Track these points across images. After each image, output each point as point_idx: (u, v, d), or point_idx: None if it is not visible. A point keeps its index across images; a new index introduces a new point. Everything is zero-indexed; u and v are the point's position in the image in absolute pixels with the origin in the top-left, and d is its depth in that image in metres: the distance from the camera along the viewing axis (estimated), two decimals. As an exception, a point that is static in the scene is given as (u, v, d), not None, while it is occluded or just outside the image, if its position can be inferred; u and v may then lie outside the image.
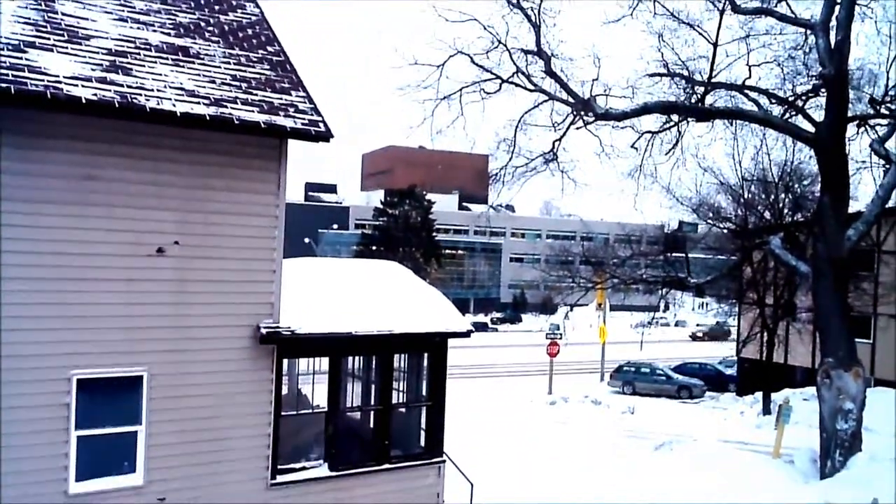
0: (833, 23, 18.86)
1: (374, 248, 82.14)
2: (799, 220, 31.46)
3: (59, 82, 8.93)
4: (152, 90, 9.62)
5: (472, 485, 14.83)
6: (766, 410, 31.91)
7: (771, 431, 25.16)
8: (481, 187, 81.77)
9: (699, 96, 21.04)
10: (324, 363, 12.35)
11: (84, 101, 8.88)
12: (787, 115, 21.56)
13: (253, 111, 10.19)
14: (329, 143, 10.88)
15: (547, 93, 20.90)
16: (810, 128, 20.23)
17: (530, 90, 20.98)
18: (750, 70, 21.20)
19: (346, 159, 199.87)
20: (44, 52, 9.32)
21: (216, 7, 12.10)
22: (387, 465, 12.53)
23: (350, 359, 14.09)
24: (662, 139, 22.58)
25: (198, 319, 10.34)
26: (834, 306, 19.12)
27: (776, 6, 20.73)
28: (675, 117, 21.72)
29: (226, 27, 11.75)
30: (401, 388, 13.63)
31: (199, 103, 9.81)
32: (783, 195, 32.57)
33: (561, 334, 44.69)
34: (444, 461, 13.30)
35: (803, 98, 21.32)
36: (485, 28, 20.53)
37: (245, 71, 11.00)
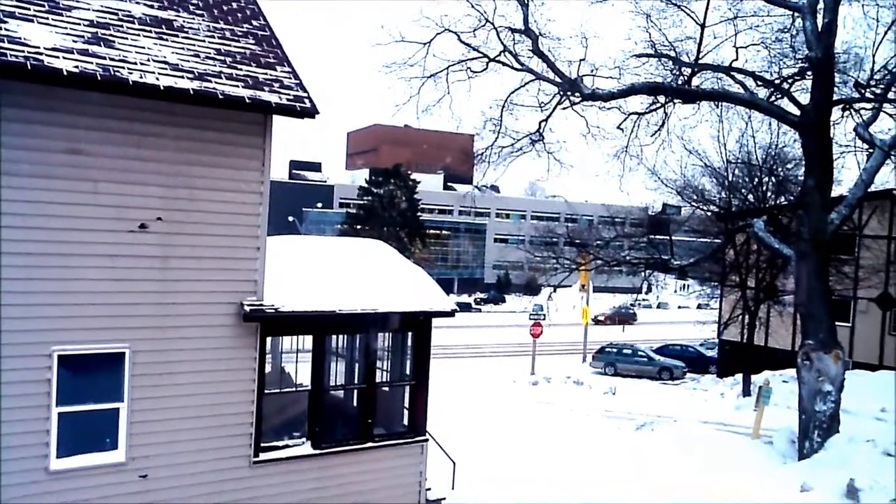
0: (820, 5, 18.88)
1: (358, 227, 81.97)
2: (782, 204, 31.65)
3: (40, 54, 8.76)
4: (135, 63, 9.47)
5: (454, 464, 14.90)
6: (746, 392, 32.23)
7: (750, 413, 25.42)
8: (467, 167, 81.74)
9: (686, 78, 21.04)
10: (307, 342, 12.31)
11: (65, 73, 8.73)
12: (774, 97, 21.58)
13: (238, 86, 10.06)
14: (314, 120, 10.77)
15: (534, 72, 20.81)
16: (796, 111, 20.27)
17: (517, 69, 20.87)
18: (737, 52, 21.24)
19: (331, 138, 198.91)
20: (24, 22, 9.14)
21: (200, -20, 11.91)
22: (370, 444, 12.55)
23: (334, 337, 14.05)
24: (648, 121, 22.62)
25: (181, 296, 10.27)
26: (815, 289, 19.27)
27: (764, -13, 20.70)
28: (661, 99, 21.72)
29: (210, 0, 11.57)
30: (384, 367, 13.63)
31: (182, 77, 9.67)
32: (767, 178, 32.71)
33: (544, 315, 44.86)
34: (427, 440, 13.34)
35: (790, 81, 21.36)
36: (472, 6, 20.39)
37: (230, 45, 10.85)
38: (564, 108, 21.41)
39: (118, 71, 9.18)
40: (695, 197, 35.88)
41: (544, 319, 43.91)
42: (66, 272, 9.40)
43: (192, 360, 10.43)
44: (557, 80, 20.64)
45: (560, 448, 20.45)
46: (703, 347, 49.17)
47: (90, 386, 9.82)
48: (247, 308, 10.64)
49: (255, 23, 11.61)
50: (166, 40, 10.21)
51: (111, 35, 9.73)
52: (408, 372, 13.52)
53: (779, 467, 18.63)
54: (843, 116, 22.29)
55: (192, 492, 10.59)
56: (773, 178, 32.74)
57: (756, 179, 33.01)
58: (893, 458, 16.41)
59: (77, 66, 8.87)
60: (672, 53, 21.21)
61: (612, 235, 35.19)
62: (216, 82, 9.90)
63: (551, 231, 67.39)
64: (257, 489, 11.25)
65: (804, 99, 20.30)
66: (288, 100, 10.37)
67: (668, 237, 33.34)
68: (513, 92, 21.46)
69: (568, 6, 23.49)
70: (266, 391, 11.41)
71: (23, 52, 8.66)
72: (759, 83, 21.52)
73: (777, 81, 21.38)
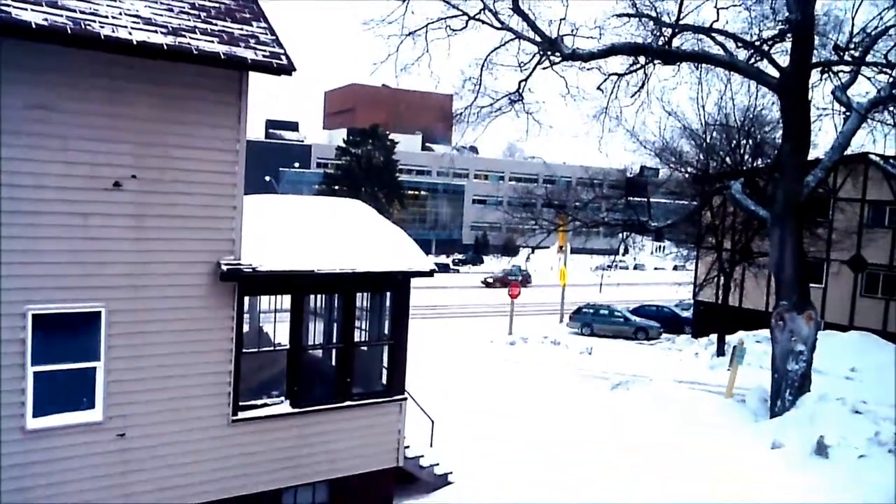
0: (802, -33, 18.77)
1: (336, 187, 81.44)
2: (759, 167, 31.83)
3: (7, 6, 8.50)
4: (106, 17, 9.23)
5: (432, 422, 15.02)
6: (720, 352, 32.71)
7: (724, 372, 25.82)
8: (445, 128, 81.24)
9: (666, 38, 20.92)
10: (286, 301, 12.28)
11: (34, 25, 8.48)
12: (753, 59, 21.56)
13: (212, 41, 9.86)
14: (291, 77, 10.60)
15: (514, 31, 20.60)
16: (775, 73, 20.29)
17: (497, 28, 20.66)
18: (718, 13, 21.10)
19: (308, 97, 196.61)
20: (-10, -28, 8.85)
21: (173, -69, 11.58)
22: (348, 403, 12.61)
23: (312, 297, 14.03)
24: (628, 81, 22.53)
25: (157, 255, 10.16)
26: (790, 251, 19.49)
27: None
28: (641, 59, 21.61)
29: (183, -48, 11.27)
30: (363, 327, 13.64)
31: (156, 32, 9.44)
32: (745, 141, 32.85)
33: (522, 276, 45.01)
34: (405, 399, 13.42)
35: (769, 43, 21.30)
36: (452, -38, 20.07)
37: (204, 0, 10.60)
38: (544, 68, 21.29)
39: (89, 25, 8.94)
40: (673, 159, 36.00)
41: (523, 280, 44.06)
42: (37, 230, 9.25)
43: (169, 319, 10.37)
44: (537, 39, 20.47)
45: (536, 407, 20.69)
46: (678, 308, 49.69)
47: (66, 345, 9.74)
48: (224, 267, 10.56)
49: (230, -24, 11.33)
50: (139, -7, 9.95)
51: (81, -13, 9.46)
52: (386, 332, 13.54)
53: (750, 425, 19.00)
54: (821, 79, 22.39)
55: (170, 450, 10.61)
56: (750, 141, 32.89)
57: (734, 142, 33.15)
58: (861, 415, 16.76)
59: (46, 20, 8.63)
60: (653, 13, 21.07)
61: (591, 197, 35.33)
62: (190, 38, 9.69)
63: (530, 192, 67.42)
64: (236, 447, 11.29)
65: (784, 61, 20.31)
66: (264, 56, 10.18)
67: (645, 199, 33.47)
68: (493, 51, 21.29)
69: (549, -37, 23.20)
70: (244, 350, 11.39)
71: (-10, 3, 8.41)
72: (740, 45, 21.47)
73: (757, 43, 21.33)
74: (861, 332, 34.14)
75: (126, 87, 9.66)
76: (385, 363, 13.50)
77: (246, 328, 13.03)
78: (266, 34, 10.62)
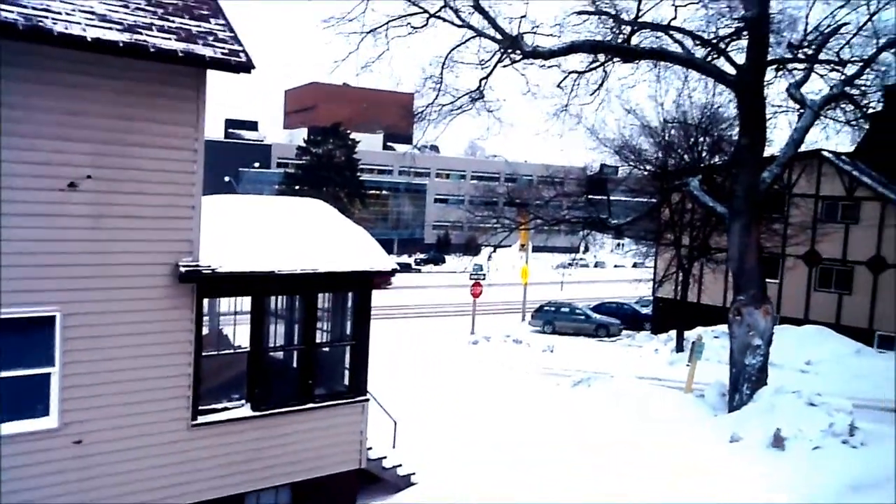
0: (756, -34, 19.05)
1: (297, 187, 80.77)
2: (717, 163, 32.31)
3: (-46, 1, 8.26)
4: (60, 13, 9.00)
5: (395, 422, 14.96)
6: (680, 348, 33.14)
7: (684, 367, 26.13)
8: (406, 126, 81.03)
9: (626, 36, 21.10)
10: (246, 303, 12.12)
11: (-18, 22, 8.25)
12: (711, 57, 21.85)
13: (170, 39, 9.68)
14: (250, 75, 10.46)
15: (475, 29, 20.60)
16: (732, 70, 20.57)
17: (458, 26, 20.62)
18: (676, 11, 21.32)
19: (268, 96, 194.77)
20: (-65, -33, 8.58)
21: (127, -74, 11.35)
22: (310, 405, 12.51)
23: (273, 298, 13.87)
24: (588, 79, 22.69)
25: (114, 257, 9.95)
26: (748, 246, 19.78)
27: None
28: (601, 57, 21.76)
29: (138, -52, 11.04)
30: (325, 328, 13.53)
31: (111, 29, 9.24)
32: (702, 138, 33.33)
33: (484, 275, 45.07)
34: (367, 400, 13.35)
35: (726, 41, 21.60)
36: (413, -41, 19.99)
37: (160, -4, 10.40)
38: (505, 66, 21.32)
39: (41, 21, 8.71)
40: (632, 157, 36.41)
41: (484, 279, 44.13)
42: (-12, 232, 9.00)
43: (126, 322, 10.17)
44: (498, 36, 20.49)
45: (499, 406, 20.72)
46: (638, 305, 50.23)
47: (19, 351, 9.47)
48: (182, 269, 10.39)
49: (186, -27, 11.14)
50: (92, -11, 9.73)
51: (32, -18, 9.22)
52: (348, 332, 13.45)
53: (710, 419, 19.25)
54: (776, 76, 22.76)
55: (129, 455, 10.41)
56: (708, 138, 33.40)
57: (692, 139, 33.63)
58: (816, 407, 17.06)
59: (-5, 15, 8.39)
60: (612, 11, 21.22)
61: (552, 195, 35.56)
62: (147, 34, 9.50)
63: (491, 191, 67.68)
64: (196, 452, 11.12)
65: (740, 59, 20.61)
66: (223, 53, 10.03)
67: (606, 196, 33.77)
68: (453, 49, 21.24)
69: (509, -38, 23.26)
70: (204, 353, 11.22)
71: (-65, -2, 8.15)
72: (697, 42, 21.74)
73: (714, 41, 21.62)
74: (816, 325, 34.89)
75: (81, 84, 9.44)
76: (347, 364, 13.41)
77: (205, 331, 12.81)
78: (224, 31, 10.46)
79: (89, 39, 8.93)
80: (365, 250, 13.15)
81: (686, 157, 33.98)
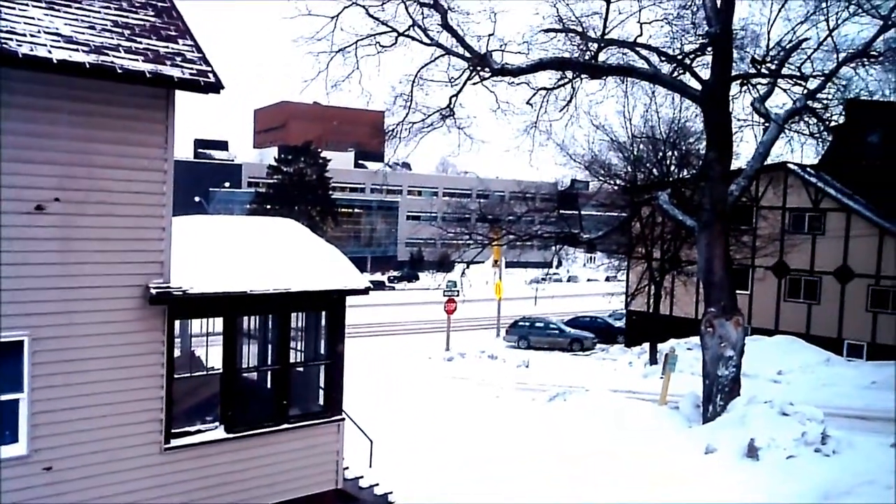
0: (719, -18, 19.43)
1: (268, 206, 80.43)
2: (685, 177, 32.71)
3: (-83, 24, 8.17)
4: (24, 35, 8.92)
5: (371, 442, 14.88)
6: (653, 360, 33.36)
7: (657, 380, 26.32)
8: (377, 144, 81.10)
9: (593, 53, 21.36)
10: (219, 324, 12.01)
11: (-54, 45, 8.17)
12: (676, 72, 22.18)
13: (137, 60, 9.63)
14: (220, 95, 10.43)
15: (444, 47, 20.76)
16: (697, 85, 20.90)
17: (427, 44, 20.79)
18: (641, 28, 21.68)
19: (237, 116, 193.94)
20: None
21: (93, -52, 11.32)
22: (285, 425, 12.38)
23: (246, 318, 13.77)
24: (557, 96, 22.93)
25: (83, 280, 9.82)
26: (717, 258, 20.01)
27: (666, -35, 21.18)
28: (569, 74, 22.02)
29: (104, -31, 11.01)
30: (299, 347, 13.45)
31: (77, 50, 9.18)
32: (670, 152, 33.76)
33: (458, 291, 45.12)
34: (343, 419, 13.26)
35: (691, 56, 21.96)
36: (380, -21, 20.12)
37: (128, 17, 10.36)
38: (474, 83, 21.50)
39: (6, 43, 8.63)
40: (602, 171, 36.77)
41: (458, 296, 44.18)
42: (-46, 257, 8.86)
43: (97, 346, 10.03)
44: (467, 54, 20.66)
45: (476, 423, 20.70)
46: (611, 318, 50.51)
47: (-14, 377, 9.31)
48: (153, 290, 10.29)
49: (153, -6, 11.12)
50: (58, 11, 9.67)
51: (-4, 5, 9.14)
52: (322, 351, 13.38)
53: (684, 431, 19.37)
54: (741, 91, 23.16)
55: (101, 481, 10.23)
56: (675, 152, 33.84)
57: (660, 154, 34.05)
58: (789, 416, 17.25)
59: (-41, 38, 8.31)
60: (579, 29, 21.50)
61: (524, 210, 35.76)
62: (114, 56, 9.45)
63: (463, 207, 67.82)
64: (170, 476, 10.96)
65: (705, 74, 20.95)
66: (191, 74, 10.00)
67: (577, 211, 34.03)
68: (423, 67, 21.40)
69: (476, -19, 23.47)
70: (176, 375, 11.10)
71: None
72: (663, 59, 22.07)
73: (679, 57, 21.97)
74: (786, 335, 35.32)
75: (48, 106, 9.35)
76: (322, 383, 13.33)
77: (177, 353, 12.70)
78: (192, 52, 10.43)
79: (55, 61, 8.86)
80: (338, 269, 13.11)
81: (655, 171, 34.39)
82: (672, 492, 14.58)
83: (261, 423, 12.16)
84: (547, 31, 21.59)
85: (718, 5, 19.32)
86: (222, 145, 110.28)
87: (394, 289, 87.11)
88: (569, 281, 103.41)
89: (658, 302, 35.19)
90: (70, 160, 9.57)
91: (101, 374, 10.09)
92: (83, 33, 9.54)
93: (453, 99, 21.90)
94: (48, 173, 9.43)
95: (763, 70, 22.14)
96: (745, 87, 22.99)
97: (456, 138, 22.66)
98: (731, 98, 21.18)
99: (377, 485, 14.19)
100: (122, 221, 10.07)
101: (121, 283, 10.17)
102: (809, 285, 37.24)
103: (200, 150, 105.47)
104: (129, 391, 10.38)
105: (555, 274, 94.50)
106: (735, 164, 23.04)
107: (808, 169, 37.32)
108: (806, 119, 23.18)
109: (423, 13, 20.56)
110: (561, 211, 36.49)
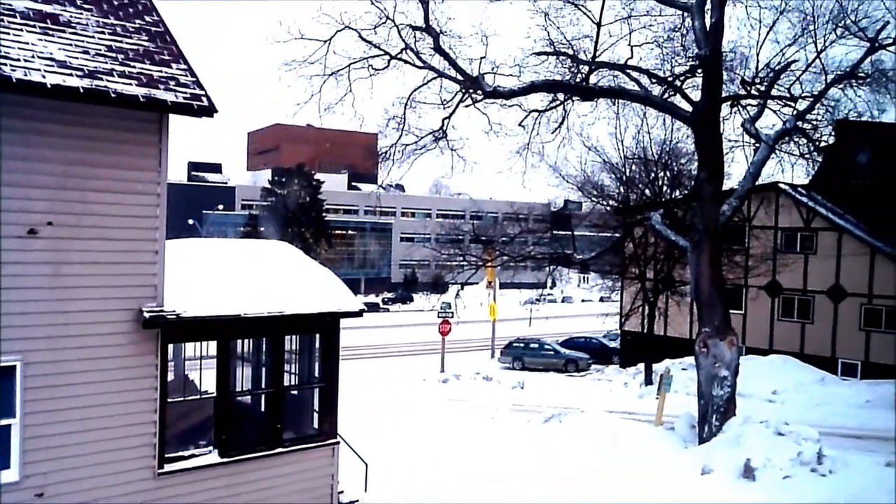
0: (708, 5, 19.63)
1: (262, 228, 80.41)
2: (677, 197, 32.87)
3: (-89, 50, 8.21)
4: (18, 60, 8.97)
5: (366, 465, 14.80)
6: (648, 381, 33.31)
7: (653, 400, 26.24)
8: (371, 166, 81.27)
9: (584, 75, 21.51)
10: (212, 347, 11.98)
11: (-60, 70, 8.20)
12: (667, 94, 22.34)
13: (131, 84, 9.69)
14: (213, 119, 10.48)
15: (436, 70, 20.88)
16: (688, 107, 21.04)
17: (419, 67, 20.91)
18: (632, 50, 21.85)
19: (231, 138, 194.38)
20: None
21: (88, -26, 11.41)
22: (280, 449, 12.33)
23: (239, 342, 13.74)
24: (549, 118, 23.04)
25: (76, 304, 9.81)
26: (710, 278, 20.04)
27: (655, -13, 21.40)
28: (560, 96, 22.16)
29: (99, -5, 11.09)
30: (293, 370, 13.41)
31: (71, 75, 9.23)
32: (662, 173, 33.95)
33: (452, 313, 45.11)
34: (338, 442, 13.20)
35: (681, 78, 22.13)
36: (373, 2, 20.27)
37: (121, 41, 10.43)
38: (467, 106, 21.60)
39: (0, 68, 8.68)
40: (595, 192, 36.94)
41: (452, 317, 44.15)
42: (-53, 282, 8.83)
43: (90, 370, 9.99)
44: (459, 77, 20.78)
45: (471, 444, 20.59)
46: (606, 339, 50.51)
47: (-23, 402, 9.26)
48: (146, 314, 10.26)
49: (147, 18, 11.20)
50: (52, 36, 9.73)
51: (-9, 31, 9.20)
52: (317, 374, 13.34)
53: (680, 451, 19.29)
54: (731, 112, 23.34)
55: (93, 508, 10.16)
56: (667, 173, 34.03)
57: (652, 174, 34.24)
58: (784, 436, 17.22)
59: (-46, 64, 8.35)
60: (570, 51, 21.66)
61: (517, 232, 35.89)
62: (108, 80, 9.50)
63: (457, 229, 67.98)
64: (163, 501, 10.88)
65: (696, 96, 21.11)
66: (185, 98, 10.05)
67: (570, 232, 34.13)
68: (415, 90, 21.49)
69: (468, 4, 23.69)
70: (169, 400, 11.05)
71: None
72: (654, 80, 22.23)
73: (670, 79, 22.13)
74: (780, 354, 35.35)
75: (42, 128, 9.39)
76: (316, 406, 13.28)
77: (171, 376, 12.64)
78: (186, 76, 10.50)
79: (49, 86, 8.91)
80: (331, 291, 13.11)
81: (647, 191, 34.56)
82: (669, 513, 14.51)
83: (255, 447, 12.10)
84: (538, 53, 21.77)
85: (707, 28, 19.50)
86: (216, 168, 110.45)
87: (388, 310, 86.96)
88: (563, 301, 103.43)
89: (652, 322, 35.21)
90: (63, 184, 9.59)
91: (94, 398, 10.05)
92: (77, 58, 9.59)
93: (446, 121, 22.00)
94: (41, 197, 9.44)
95: (753, 91, 22.33)
96: (735, 109, 23.17)
97: (449, 160, 22.75)
98: (721, 119, 21.33)
99: (372, 508, 14.09)
100: (115, 245, 10.07)
101: (114, 306, 10.16)
102: (803, 304, 37.34)
103: (194, 173, 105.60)
104: (122, 416, 10.33)
105: (549, 294, 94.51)
106: (727, 185, 23.22)
107: (799, 189, 37.56)
108: (796, 139, 23.35)
109: (415, 37, 20.71)
110: (554, 232, 36.59)
